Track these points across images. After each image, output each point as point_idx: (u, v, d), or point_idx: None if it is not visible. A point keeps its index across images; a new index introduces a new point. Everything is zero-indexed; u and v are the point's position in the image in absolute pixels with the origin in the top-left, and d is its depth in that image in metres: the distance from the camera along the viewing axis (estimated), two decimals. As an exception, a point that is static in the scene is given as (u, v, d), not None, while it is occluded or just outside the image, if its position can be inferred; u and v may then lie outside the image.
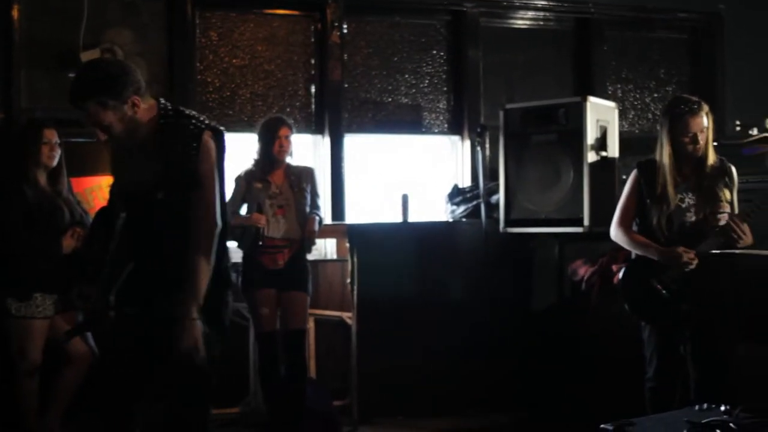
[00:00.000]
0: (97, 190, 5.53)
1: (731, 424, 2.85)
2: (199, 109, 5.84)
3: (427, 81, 6.66)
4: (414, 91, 6.63)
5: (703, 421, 2.91)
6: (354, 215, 6.29)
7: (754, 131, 5.39)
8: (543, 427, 5.30)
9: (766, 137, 5.30)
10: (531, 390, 5.54)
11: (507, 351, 5.66)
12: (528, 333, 5.68)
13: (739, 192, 4.32)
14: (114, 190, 3.30)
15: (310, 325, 5.56)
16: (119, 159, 3.26)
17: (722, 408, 3.07)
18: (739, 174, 4.36)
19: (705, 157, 4.20)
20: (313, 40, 6.37)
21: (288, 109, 6.23)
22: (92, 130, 3.28)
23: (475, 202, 5.94)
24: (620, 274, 4.41)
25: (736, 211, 4.17)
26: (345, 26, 6.34)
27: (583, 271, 5.47)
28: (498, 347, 5.66)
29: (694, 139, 4.12)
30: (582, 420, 3.41)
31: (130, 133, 3.06)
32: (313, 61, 6.34)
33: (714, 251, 3.97)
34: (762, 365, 4.53)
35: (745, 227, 3.96)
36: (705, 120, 4.15)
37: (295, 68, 6.33)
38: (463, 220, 6.03)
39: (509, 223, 5.43)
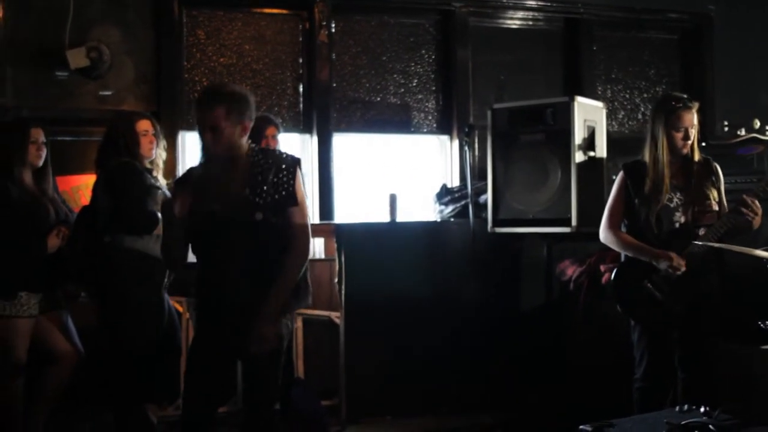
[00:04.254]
0: (83, 188, 5.51)
1: (710, 426, 2.85)
2: (186, 108, 5.87)
3: (415, 80, 6.66)
4: (402, 90, 6.62)
5: (683, 423, 2.92)
6: (342, 215, 6.28)
7: (742, 131, 5.37)
8: (530, 428, 5.28)
9: (754, 137, 5.29)
10: (518, 390, 5.52)
11: (494, 351, 5.65)
12: (516, 333, 5.67)
13: (726, 192, 4.34)
14: (196, 208, 3.53)
15: (298, 324, 5.55)
16: (206, 181, 3.52)
17: (702, 409, 3.08)
18: (727, 174, 4.38)
19: (692, 155, 4.23)
20: (301, 39, 6.35)
21: (276, 108, 6.22)
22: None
23: (463, 202, 5.92)
24: (611, 275, 4.41)
25: (725, 209, 4.18)
26: (333, 25, 6.34)
27: (571, 271, 5.48)
28: (485, 347, 5.66)
29: (686, 134, 4.17)
30: (568, 420, 3.41)
31: (228, 151, 3.41)
32: (301, 60, 6.33)
33: (704, 243, 3.97)
34: (743, 365, 4.53)
35: (758, 205, 3.97)
36: (696, 117, 4.19)
37: (283, 67, 6.32)
38: (452, 219, 6.01)
39: (497, 222, 5.41)
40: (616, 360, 4.74)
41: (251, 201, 3.36)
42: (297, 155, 3.58)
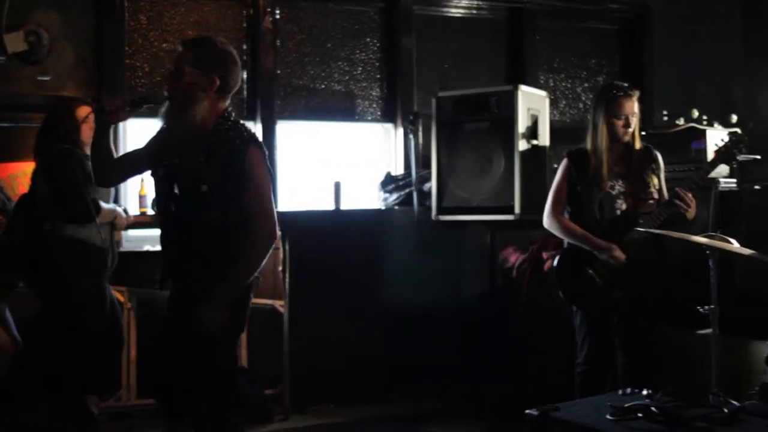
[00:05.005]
0: (22, 176, 5.39)
1: (653, 408, 2.90)
2: (128, 94, 5.76)
3: (360, 68, 6.64)
4: (347, 78, 6.60)
5: (626, 405, 2.96)
6: (286, 203, 6.25)
7: (681, 121, 5.49)
8: (474, 413, 5.33)
9: (692, 127, 5.40)
10: (463, 376, 5.56)
11: (438, 338, 5.69)
12: (459, 320, 5.72)
13: (666, 180, 4.41)
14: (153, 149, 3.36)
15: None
16: (168, 128, 3.32)
17: (645, 392, 3.13)
18: (667, 163, 4.45)
19: (633, 143, 4.30)
20: (245, 25, 6.29)
21: (220, 95, 6.14)
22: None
23: (407, 190, 5.94)
24: (554, 262, 4.46)
25: (665, 197, 4.26)
26: (277, 12, 6.28)
27: (514, 258, 5.53)
28: (431, 335, 5.69)
29: (627, 122, 4.23)
30: (513, 405, 3.46)
31: (188, 107, 3.19)
32: (244, 47, 6.26)
33: (644, 230, 4.04)
34: (682, 349, 4.64)
35: (691, 197, 4.04)
36: (636, 105, 4.25)
37: (228, 54, 6.24)
38: (396, 207, 6.03)
39: (441, 210, 5.43)
40: (558, 345, 4.80)
41: (200, 170, 3.17)
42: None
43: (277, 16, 6.29)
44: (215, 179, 3.14)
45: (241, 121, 3.33)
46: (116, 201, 4.91)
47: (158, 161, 3.30)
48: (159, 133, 3.36)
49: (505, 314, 5.47)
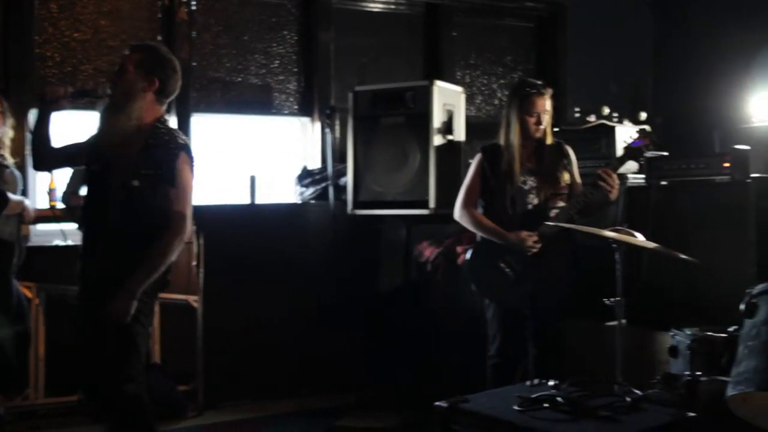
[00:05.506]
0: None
1: (558, 398, 2.96)
2: (38, 85, 5.60)
3: (277, 61, 6.60)
4: (264, 71, 6.55)
5: (533, 396, 3.01)
6: (201, 196, 6.15)
7: (592, 118, 5.59)
8: (388, 407, 5.35)
9: (603, 124, 5.51)
10: (378, 370, 5.59)
11: (355, 332, 5.70)
12: (375, 314, 5.74)
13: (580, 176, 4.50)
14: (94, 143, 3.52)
15: (155, 309, 5.42)
16: (106, 124, 3.49)
17: (551, 383, 3.19)
18: (578, 158, 4.54)
19: (545, 139, 4.37)
20: (160, 16, 6.17)
21: (132, 87, 6.02)
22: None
23: (324, 184, 5.93)
24: (467, 255, 4.51)
25: (578, 191, 4.34)
26: (193, 3, 6.18)
27: (429, 252, 5.57)
28: (346, 328, 5.69)
29: (539, 119, 4.30)
30: (427, 398, 3.48)
31: (127, 104, 3.42)
32: (159, 38, 6.14)
33: (554, 224, 4.11)
34: (590, 340, 4.74)
35: (615, 177, 4.11)
36: (548, 102, 4.33)
37: (141, 45, 6.12)
38: (312, 202, 6.01)
39: (357, 204, 5.44)
40: (472, 338, 4.86)
41: (135, 166, 3.35)
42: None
43: (193, 8, 6.20)
44: (147, 176, 3.34)
45: (176, 129, 3.56)
46: (24, 194, 4.79)
47: (95, 156, 3.47)
48: (98, 129, 3.51)
49: (419, 308, 5.51)
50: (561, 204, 4.34)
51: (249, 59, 6.49)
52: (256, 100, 6.51)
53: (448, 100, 5.34)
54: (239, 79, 6.45)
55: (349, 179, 5.47)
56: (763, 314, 2.67)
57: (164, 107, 3.56)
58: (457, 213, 4.48)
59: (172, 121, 6.07)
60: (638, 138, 4.13)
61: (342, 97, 6.10)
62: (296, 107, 6.66)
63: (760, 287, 2.75)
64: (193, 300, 5.54)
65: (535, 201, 4.34)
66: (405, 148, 5.27)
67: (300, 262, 5.74)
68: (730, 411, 2.76)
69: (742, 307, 2.73)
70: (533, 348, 4.40)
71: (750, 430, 2.86)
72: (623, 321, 4.96)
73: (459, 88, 5.57)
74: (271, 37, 6.58)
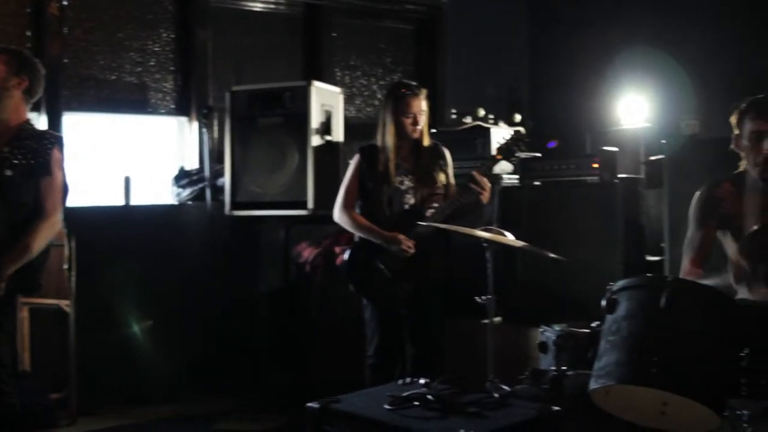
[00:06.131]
0: None
1: (429, 396, 3.00)
2: None
3: (153, 60, 6.44)
4: (140, 69, 6.39)
5: (404, 394, 3.04)
6: (73, 198, 5.95)
7: (468, 119, 5.70)
8: (265, 410, 5.32)
9: (478, 125, 5.62)
10: (258, 373, 5.54)
11: (234, 334, 5.64)
12: (253, 316, 5.69)
13: (456, 176, 4.57)
14: None
15: (24, 314, 5.23)
16: None
17: (422, 381, 3.23)
18: (453, 159, 4.61)
19: (421, 140, 4.42)
20: (29, 11, 5.94)
21: (1, 85, 5.78)
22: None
23: (201, 185, 5.86)
24: (345, 256, 4.52)
25: (453, 191, 4.40)
26: (65, -3, 5.99)
27: (308, 253, 5.56)
28: (225, 330, 5.63)
29: (415, 120, 4.34)
30: (307, 399, 3.46)
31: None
32: (28, 34, 5.91)
33: (429, 224, 4.16)
34: (466, 338, 4.82)
35: (486, 181, 4.19)
36: (424, 103, 4.38)
37: (9, 41, 5.81)
38: (189, 203, 5.92)
39: (235, 205, 5.40)
40: (351, 338, 4.87)
41: (5, 157, 3.44)
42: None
43: (65, 2, 5.98)
44: (19, 166, 3.44)
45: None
46: None
47: None
48: None
49: (298, 309, 5.50)
50: (437, 204, 4.39)
51: (124, 57, 6.32)
52: (132, 99, 6.34)
53: (327, 101, 5.35)
54: (113, 77, 6.28)
55: (226, 180, 5.42)
56: (622, 310, 2.75)
57: (29, 108, 3.70)
58: (336, 214, 4.49)
59: (43, 120, 5.87)
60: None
61: (220, 96, 6.01)
62: (173, 106, 6.53)
63: (620, 283, 2.84)
64: (65, 304, 5.35)
65: (412, 201, 4.39)
66: (283, 149, 5.26)
67: (177, 264, 5.64)
68: (594, 404, 2.84)
69: (603, 303, 2.81)
70: (411, 348, 4.44)
71: (613, 423, 2.95)
72: (499, 318, 5.10)
73: (337, 89, 5.59)
74: (147, 35, 6.42)
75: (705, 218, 3.45)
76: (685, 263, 3.46)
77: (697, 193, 3.52)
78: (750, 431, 2.78)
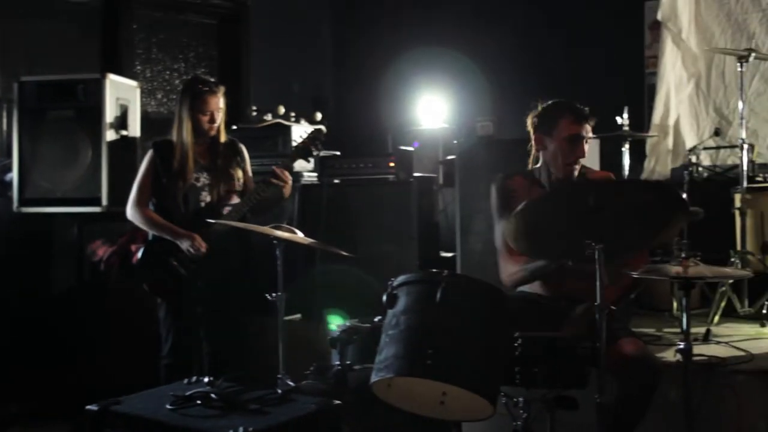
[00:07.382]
0: None
1: (212, 395, 3.00)
2: None
3: (-67, 45, 6.05)
4: None
5: (187, 393, 3.02)
6: None
7: (269, 117, 5.71)
8: (57, 415, 5.10)
9: (279, 123, 5.64)
10: (47, 377, 5.31)
11: (22, 338, 5.39)
12: (45, 317, 5.45)
13: (255, 174, 4.57)
14: None
15: None
16: None
17: (206, 380, 3.22)
18: (254, 156, 4.62)
19: (219, 137, 4.40)
20: None
21: None
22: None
23: (-12, 180, 5.56)
24: (138, 254, 4.42)
25: (251, 188, 4.40)
26: None
27: (102, 251, 5.38)
28: (11, 335, 5.37)
29: (212, 118, 4.32)
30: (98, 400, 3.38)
31: None
32: None
33: (224, 222, 4.14)
34: (266, 334, 4.83)
35: (288, 175, 4.24)
36: (222, 101, 4.35)
37: None
38: (-26, 199, 5.61)
39: (24, 202, 5.17)
40: (146, 339, 4.77)
41: None
42: None
43: None
44: None
45: None
46: None
47: None
48: None
49: (93, 308, 5.32)
50: (235, 201, 4.38)
51: None
52: None
53: (122, 95, 5.23)
54: None
55: (15, 175, 5.18)
56: (401, 304, 2.83)
57: None
58: (129, 211, 4.40)
59: None
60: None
61: (7, 87, 5.72)
62: (-44, 97, 6.15)
63: (399, 279, 2.91)
64: None
65: (208, 198, 4.37)
66: (75, 143, 5.10)
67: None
68: (376, 396, 2.91)
69: (384, 298, 2.88)
70: (208, 346, 4.41)
71: (395, 414, 3.03)
72: (298, 315, 5.16)
73: (134, 83, 5.47)
74: None
75: (504, 208, 3.49)
76: (504, 255, 3.49)
77: (493, 186, 3.60)
78: (525, 417, 2.94)
